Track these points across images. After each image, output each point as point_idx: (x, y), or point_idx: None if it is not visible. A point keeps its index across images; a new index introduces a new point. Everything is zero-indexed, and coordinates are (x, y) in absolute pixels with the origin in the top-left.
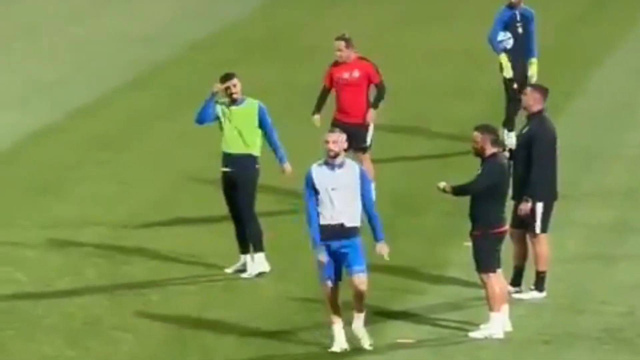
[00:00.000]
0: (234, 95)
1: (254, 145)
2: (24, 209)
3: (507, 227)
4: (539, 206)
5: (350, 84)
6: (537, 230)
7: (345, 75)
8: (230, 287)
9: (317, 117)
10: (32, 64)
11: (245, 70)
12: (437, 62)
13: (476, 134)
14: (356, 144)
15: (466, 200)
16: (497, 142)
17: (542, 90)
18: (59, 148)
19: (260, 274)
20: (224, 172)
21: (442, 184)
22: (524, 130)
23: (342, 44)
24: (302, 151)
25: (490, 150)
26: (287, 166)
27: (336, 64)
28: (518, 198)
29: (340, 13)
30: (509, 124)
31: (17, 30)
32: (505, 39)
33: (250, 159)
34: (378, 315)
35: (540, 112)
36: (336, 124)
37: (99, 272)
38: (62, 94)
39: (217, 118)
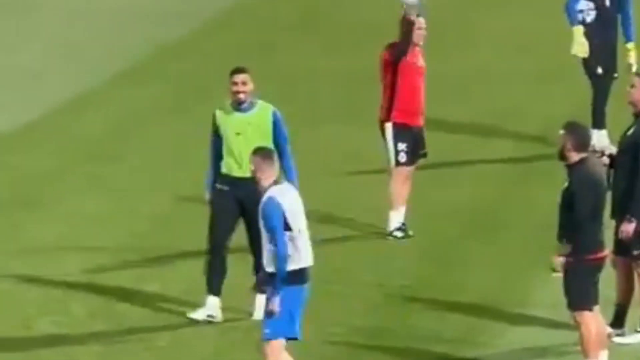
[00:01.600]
0: (241, 96)
1: None
2: None
3: (606, 252)
4: None
5: (421, 74)
6: None
7: (420, 61)
8: (255, 329)
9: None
10: (3, 49)
11: (278, 55)
12: (511, 49)
13: (561, 133)
14: (421, 150)
15: (554, 217)
16: (586, 146)
17: None
18: (37, 153)
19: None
20: (222, 191)
21: (558, 264)
22: (629, 132)
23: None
24: (349, 157)
25: (575, 155)
26: None
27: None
28: (620, 217)
29: None
30: (597, 121)
31: None
32: (586, 9)
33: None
34: None
35: None
36: (411, 130)
37: (88, 311)
38: (42, 86)
39: (217, 132)
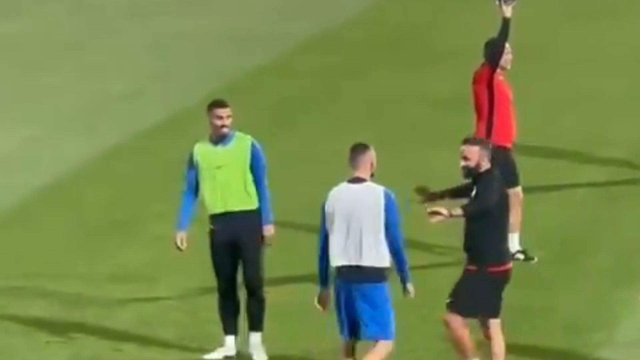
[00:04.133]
0: (225, 130)
1: (253, 195)
2: (86, 254)
3: (510, 265)
4: None
5: (511, 94)
6: None
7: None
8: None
9: None
10: (97, 73)
11: (369, 78)
12: (602, 70)
13: (468, 148)
14: (513, 177)
15: None
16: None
17: None
18: (130, 175)
19: None
20: (214, 231)
21: (439, 217)
22: None
23: None
24: (435, 180)
25: (486, 165)
26: (270, 229)
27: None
28: None
29: (483, 9)
30: None
31: (82, 33)
32: None
33: (251, 216)
34: None
35: None
36: (506, 154)
37: (179, 334)
38: (136, 108)
39: (195, 167)
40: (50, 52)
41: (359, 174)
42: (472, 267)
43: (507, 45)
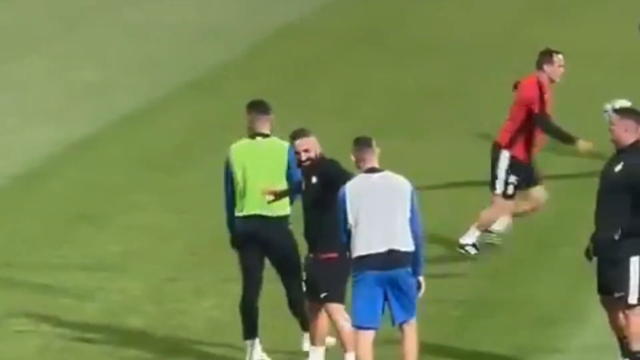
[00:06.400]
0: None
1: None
2: (56, 243)
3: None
4: (635, 262)
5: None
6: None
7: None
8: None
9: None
10: (70, 63)
11: (340, 70)
12: (586, 65)
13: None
14: (531, 181)
15: None
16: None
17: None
18: (100, 166)
19: None
20: (250, 233)
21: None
22: (617, 169)
23: None
24: (411, 173)
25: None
26: None
27: (545, 85)
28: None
29: (461, 2)
30: None
31: (54, 23)
32: None
33: (283, 223)
34: None
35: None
36: (526, 165)
37: (146, 323)
38: (108, 98)
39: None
40: (23, 43)
41: (374, 164)
42: (334, 255)
43: (560, 57)
